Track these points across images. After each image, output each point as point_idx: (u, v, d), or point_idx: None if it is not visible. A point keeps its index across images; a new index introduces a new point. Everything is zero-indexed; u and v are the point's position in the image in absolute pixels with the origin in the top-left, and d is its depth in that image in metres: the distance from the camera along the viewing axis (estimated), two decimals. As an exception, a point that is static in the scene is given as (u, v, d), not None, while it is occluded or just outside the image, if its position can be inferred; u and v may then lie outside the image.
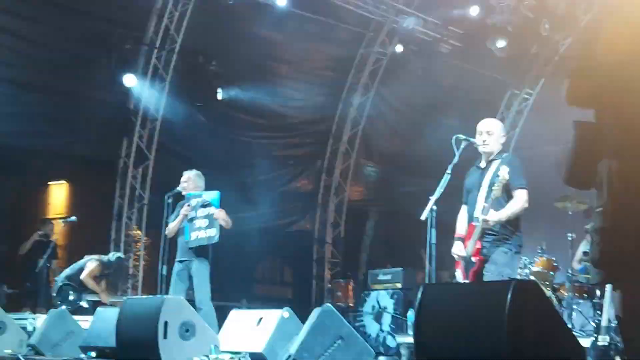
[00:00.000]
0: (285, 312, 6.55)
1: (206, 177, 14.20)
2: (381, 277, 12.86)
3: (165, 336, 6.11)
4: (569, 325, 10.15)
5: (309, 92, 16.09)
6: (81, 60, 13.34)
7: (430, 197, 6.31)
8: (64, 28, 12.94)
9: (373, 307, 12.42)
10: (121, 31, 13.51)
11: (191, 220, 9.21)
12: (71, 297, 10.82)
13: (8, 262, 12.43)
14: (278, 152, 16.12)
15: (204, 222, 9.15)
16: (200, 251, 9.03)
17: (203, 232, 9.13)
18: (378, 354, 10.89)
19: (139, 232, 14.52)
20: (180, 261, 9.06)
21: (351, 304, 13.66)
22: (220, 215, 9.12)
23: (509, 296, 4.07)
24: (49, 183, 18.54)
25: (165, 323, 6.12)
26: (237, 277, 15.19)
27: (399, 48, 15.45)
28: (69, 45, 13.12)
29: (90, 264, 10.95)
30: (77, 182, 17.31)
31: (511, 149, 17.38)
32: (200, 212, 9.19)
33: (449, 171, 6.44)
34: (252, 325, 6.72)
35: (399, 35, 15.34)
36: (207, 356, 6.16)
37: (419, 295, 4.49)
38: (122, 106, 14.07)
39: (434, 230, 6.18)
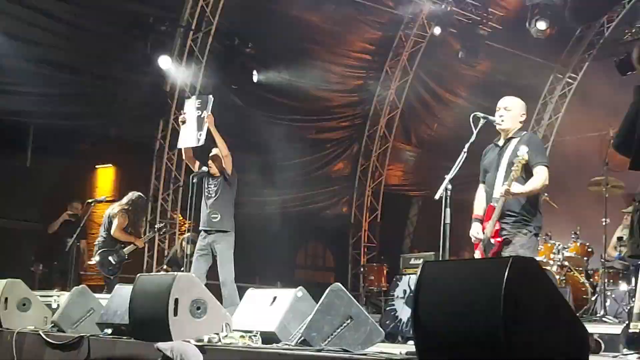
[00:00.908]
0: (299, 292, 6.45)
1: (242, 159, 14.30)
2: (413, 262, 12.75)
3: (175, 313, 6.06)
4: (602, 312, 9.94)
5: (346, 75, 15.97)
6: (118, 42, 13.44)
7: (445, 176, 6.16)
8: (101, 10, 13.01)
9: (404, 291, 12.29)
10: (157, 13, 13.56)
11: (184, 123, 9.33)
12: (114, 261, 10.84)
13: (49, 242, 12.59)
14: (314, 136, 16.05)
15: (195, 124, 9.14)
16: (226, 224, 9.01)
17: (192, 134, 9.14)
18: (408, 338, 10.76)
19: (179, 216, 14.57)
20: (203, 231, 9.07)
21: (384, 288, 13.55)
22: (210, 119, 9.04)
23: (506, 273, 3.95)
24: (96, 167, 18.81)
25: (176, 300, 6.07)
26: (277, 262, 15.21)
27: (437, 30, 15.24)
28: (106, 27, 13.19)
29: (116, 219, 10.93)
30: (120, 164, 17.53)
31: (554, 133, 17.09)
32: (192, 115, 9.21)
33: (465, 150, 6.28)
34: (266, 305, 6.65)
35: (438, 17, 15.12)
36: (218, 334, 6.09)
37: (419, 271, 4.38)
38: (158, 88, 14.10)
39: (448, 210, 6.04)
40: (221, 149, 9.19)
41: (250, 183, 14.82)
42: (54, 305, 8.74)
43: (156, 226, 12.73)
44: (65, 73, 13.08)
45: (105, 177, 19.19)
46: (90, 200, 10.51)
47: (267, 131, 14.91)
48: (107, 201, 17.69)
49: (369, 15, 15.24)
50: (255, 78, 14.20)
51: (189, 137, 9.31)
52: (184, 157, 9.88)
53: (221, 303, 8.41)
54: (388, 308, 12.33)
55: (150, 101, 14.15)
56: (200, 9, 13.90)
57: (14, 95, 12.94)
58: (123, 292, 7.17)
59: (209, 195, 9.26)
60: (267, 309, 6.63)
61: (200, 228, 9.25)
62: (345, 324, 5.83)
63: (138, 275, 6.69)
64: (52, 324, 8.04)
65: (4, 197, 12.01)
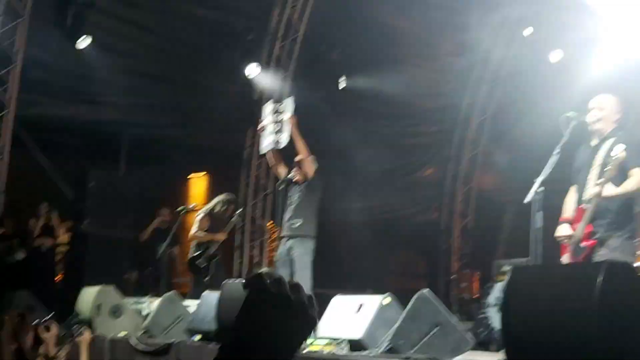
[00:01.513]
0: (385, 299, 6.35)
1: (329, 167, 14.24)
2: (505, 269, 12.42)
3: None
4: None
5: (434, 79, 15.75)
6: (207, 52, 13.60)
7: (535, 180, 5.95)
8: (190, 21, 13.20)
9: (497, 298, 11.99)
10: (245, 22, 13.68)
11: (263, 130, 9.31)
12: (204, 263, 10.87)
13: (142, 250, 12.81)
14: (403, 141, 15.87)
15: (275, 127, 9.08)
16: (306, 229, 8.93)
17: (272, 137, 9.08)
18: (501, 347, 10.49)
19: (270, 223, 14.62)
20: (283, 237, 9.01)
21: (475, 296, 13.27)
22: (292, 121, 8.97)
23: (600, 278, 3.77)
24: (189, 176, 19.12)
25: (262, 306, 6.05)
26: (368, 269, 15.11)
27: (528, 31, 14.88)
28: (193, 36, 13.37)
29: (198, 219, 10.95)
30: (213, 173, 17.75)
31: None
32: (273, 117, 9.16)
33: (556, 152, 6.05)
34: (352, 312, 6.57)
35: (528, 19, 14.78)
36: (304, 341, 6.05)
37: (507, 278, 4.23)
38: (246, 96, 14.21)
39: (539, 214, 5.82)
40: (302, 152, 9.12)
41: (339, 190, 14.77)
42: (145, 312, 8.85)
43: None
44: (156, 83, 13.31)
45: (198, 185, 19.50)
46: (180, 208, 10.59)
47: (355, 138, 14.83)
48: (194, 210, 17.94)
49: (457, 18, 14.98)
50: (342, 84, 14.14)
51: (270, 140, 9.30)
52: (269, 164, 9.86)
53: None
54: (480, 316, 12.05)
55: (239, 109, 14.27)
56: (287, 17, 13.95)
57: (107, 106, 13.26)
58: (211, 298, 7.20)
59: (291, 202, 9.20)
60: (354, 316, 6.55)
61: (281, 235, 9.18)
62: (433, 332, 5.70)
63: (224, 281, 6.70)
64: (144, 330, 8.15)
65: (98, 206, 12.27)
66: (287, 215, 9.26)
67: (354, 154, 14.77)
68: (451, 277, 15.58)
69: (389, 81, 14.80)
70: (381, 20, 14.26)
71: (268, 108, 9.50)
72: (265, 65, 14.09)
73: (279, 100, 9.77)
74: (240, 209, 12.33)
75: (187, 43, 13.29)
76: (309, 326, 1.64)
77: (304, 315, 1.62)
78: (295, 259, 8.94)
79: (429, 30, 15.01)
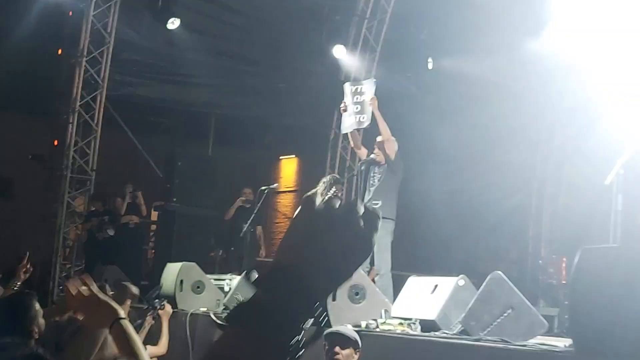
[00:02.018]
0: (460, 280, 6.27)
1: (416, 149, 14.12)
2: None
3: (334, 298, 6.05)
4: None
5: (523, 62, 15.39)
6: (294, 33, 13.65)
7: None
8: (277, 2, 13.26)
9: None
10: (332, 3, 13.66)
11: (345, 110, 9.24)
12: None
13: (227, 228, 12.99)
14: (491, 124, 15.56)
15: (356, 108, 9.04)
16: (386, 210, 8.84)
17: (354, 118, 9.03)
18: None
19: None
20: None
21: (563, 281, 12.94)
22: (374, 102, 8.91)
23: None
24: (280, 157, 19.30)
25: (335, 285, 6.06)
26: (458, 253, 14.96)
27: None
28: (282, 18, 13.43)
29: None
30: (302, 155, 17.86)
31: None
32: (354, 99, 9.11)
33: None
34: (427, 293, 6.51)
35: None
36: (376, 320, 6.03)
37: (576, 259, 4.12)
38: (333, 77, 14.18)
39: (620, 196, 5.64)
40: (383, 133, 9.06)
41: (425, 172, 14.64)
42: (226, 289, 8.97)
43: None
44: (244, 64, 13.47)
45: (288, 167, 19.67)
46: (263, 188, 10.66)
47: (442, 119, 14.67)
48: (284, 191, 18.07)
49: None
50: (430, 65, 13.98)
51: (352, 121, 9.28)
52: (351, 145, 9.82)
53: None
54: (567, 302, 11.79)
55: (326, 91, 14.27)
56: (374, -2, 13.87)
57: (196, 86, 13.49)
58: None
59: (373, 183, 9.15)
60: (428, 297, 6.49)
61: None
62: (505, 314, 5.59)
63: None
64: (224, 306, 8.28)
65: (186, 185, 12.50)
66: (367, 197, 9.22)
67: (441, 135, 14.63)
68: (539, 262, 15.23)
69: (477, 61, 14.57)
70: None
71: (348, 89, 9.46)
72: (353, 46, 14.04)
73: (358, 81, 9.72)
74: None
75: (275, 24, 13.36)
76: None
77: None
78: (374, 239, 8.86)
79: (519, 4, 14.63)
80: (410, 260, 14.99)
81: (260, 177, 16.61)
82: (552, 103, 16.04)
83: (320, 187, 10.95)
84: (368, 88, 9.28)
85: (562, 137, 16.12)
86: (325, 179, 11.03)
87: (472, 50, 14.43)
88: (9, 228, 14.77)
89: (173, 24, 12.39)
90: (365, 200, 9.13)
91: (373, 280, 8.75)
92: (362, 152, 9.51)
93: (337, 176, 11.32)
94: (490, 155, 15.79)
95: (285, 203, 19.44)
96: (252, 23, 13.37)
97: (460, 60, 14.32)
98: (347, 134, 10.06)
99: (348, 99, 9.36)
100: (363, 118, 9.16)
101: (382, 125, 9.12)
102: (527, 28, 15.12)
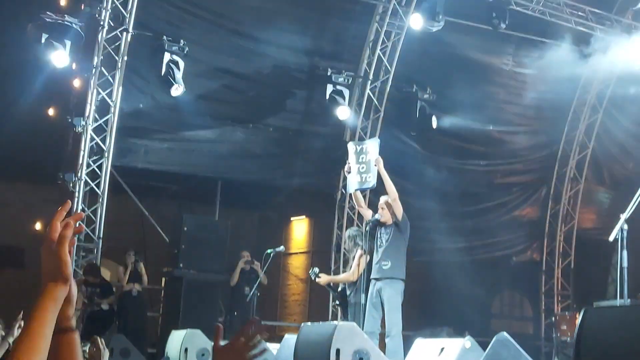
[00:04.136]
0: (467, 342, 6.16)
1: (424, 207, 14.06)
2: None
3: (338, 363, 5.95)
4: None
5: (529, 116, 15.43)
6: (297, 95, 13.75)
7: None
8: (278, 65, 13.39)
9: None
10: (335, 65, 13.76)
11: (349, 172, 9.24)
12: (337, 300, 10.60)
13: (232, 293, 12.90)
14: (500, 180, 15.56)
15: (361, 167, 8.95)
16: (395, 271, 8.75)
17: (358, 177, 8.96)
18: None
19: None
20: (373, 280, 8.83)
21: (577, 338, 12.74)
22: (379, 162, 8.90)
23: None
24: (291, 219, 19.27)
25: (337, 350, 5.95)
26: (471, 311, 14.78)
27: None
28: (283, 81, 13.53)
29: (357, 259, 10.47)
30: (312, 215, 17.84)
31: None
32: (359, 158, 9.05)
33: (644, 187, 5.78)
34: (434, 356, 6.39)
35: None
36: (382, 386, 5.92)
37: (579, 319, 4.02)
38: (338, 138, 14.23)
39: (625, 252, 5.55)
40: (390, 193, 8.99)
41: (435, 230, 14.56)
42: (232, 356, 8.84)
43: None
44: (248, 128, 13.52)
45: (299, 228, 19.63)
46: (269, 251, 10.56)
47: (450, 177, 14.66)
48: (296, 253, 17.94)
49: (552, 54, 14.66)
50: (434, 124, 13.99)
51: (357, 180, 9.25)
52: (355, 205, 9.77)
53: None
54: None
55: (332, 151, 14.31)
56: (377, 58, 13.96)
57: (202, 151, 13.53)
58: (291, 342, 7.14)
59: (381, 244, 9.06)
60: (435, 359, 6.37)
61: (370, 277, 9.01)
62: (512, 376, 5.47)
63: (302, 324, 6.63)
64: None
65: (193, 250, 12.44)
66: (376, 258, 9.12)
67: (448, 193, 14.60)
68: (553, 319, 15.05)
69: (482, 119, 14.63)
70: (473, 57, 14.10)
71: (352, 148, 9.45)
72: (357, 106, 14.11)
73: (363, 142, 9.71)
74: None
75: (279, 87, 13.46)
76: None
77: None
78: (385, 300, 8.77)
79: (521, 67, 14.76)
80: (422, 319, 14.85)
81: (269, 239, 16.58)
82: (559, 156, 16.03)
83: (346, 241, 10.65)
84: (372, 147, 9.27)
85: (572, 190, 16.09)
86: (348, 232, 10.79)
87: (475, 107, 14.49)
88: (21, 298, 14.72)
89: (177, 90, 12.45)
90: (375, 261, 9.04)
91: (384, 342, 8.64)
92: (367, 213, 9.44)
93: (358, 230, 11.15)
94: (500, 211, 15.75)
95: (297, 264, 19.36)
96: (255, 87, 13.47)
97: (464, 118, 14.36)
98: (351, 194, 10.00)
99: (352, 158, 9.35)
100: (368, 177, 9.13)
101: (389, 185, 9.05)
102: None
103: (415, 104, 14.04)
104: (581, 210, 16.27)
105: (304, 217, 19.16)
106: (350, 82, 13.81)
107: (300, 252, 19.35)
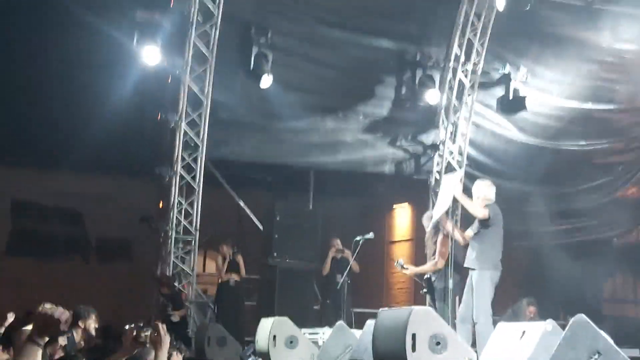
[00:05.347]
0: (548, 325, 5.99)
1: (527, 190, 13.77)
2: None
3: (414, 349, 5.87)
4: None
5: (630, 93, 14.82)
6: (385, 81, 13.69)
7: None
8: (366, 52, 13.35)
9: None
10: (424, 49, 13.64)
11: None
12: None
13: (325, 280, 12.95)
14: (601, 159, 15.03)
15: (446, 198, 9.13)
16: (481, 260, 8.61)
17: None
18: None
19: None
20: (468, 268, 8.78)
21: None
22: (457, 193, 8.88)
23: None
24: (393, 206, 19.18)
25: (413, 335, 5.88)
26: (582, 295, 14.43)
27: None
28: (371, 67, 13.50)
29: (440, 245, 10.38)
30: (414, 202, 17.67)
31: None
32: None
33: None
34: (515, 339, 6.25)
35: None
36: (461, 371, 5.82)
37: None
38: (429, 124, 14.10)
39: None
40: (476, 214, 8.83)
41: (537, 214, 14.26)
42: (320, 342, 8.90)
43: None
44: (336, 116, 13.56)
45: (402, 215, 19.50)
46: (358, 238, 10.55)
47: (547, 158, 14.30)
48: (400, 240, 17.76)
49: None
50: (528, 104, 13.68)
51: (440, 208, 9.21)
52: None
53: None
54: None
55: (422, 136, 14.22)
56: (467, 41, 13.73)
57: (293, 141, 13.64)
58: (372, 327, 7.11)
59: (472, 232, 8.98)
60: (517, 343, 6.23)
61: (464, 265, 8.94)
62: (592, 359, 5.29)
63: (380, 309, 6.59)
64: (317, 361, 8.21)
65: (286, 239, 12.58)
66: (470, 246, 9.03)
67: (546, 175, 14.27)
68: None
69: (580, 99, 14.18)
70: (566, 34, 13.66)
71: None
72: (449, 90, 13.94)
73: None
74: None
75: (364, 75, 13.43)
76: None
77: None
78: (474, 288, 8.68)
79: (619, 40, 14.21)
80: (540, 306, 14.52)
81: (370, 227, 16.49)
82: None
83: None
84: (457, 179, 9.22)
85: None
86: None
87: (575, 86, 14.04)
88: (130, 290, 15.24)
89: (266, 81, 12.59)
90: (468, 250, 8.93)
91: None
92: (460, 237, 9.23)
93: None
94: (604, 191, 15.25)
95: (401, 253, 19.21)
96: (344, 75, 13.46)
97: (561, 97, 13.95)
98: None
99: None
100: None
101: (470, 208, 8.89)
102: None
103: (508, 85, 13.77)
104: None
105: (405, 204, 19.01)
106: (439, 65, 13.66)
107: (404, 240, 19.21)
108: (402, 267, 10.21)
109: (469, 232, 9.02)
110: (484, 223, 8.81)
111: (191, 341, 11.31)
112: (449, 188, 9.14)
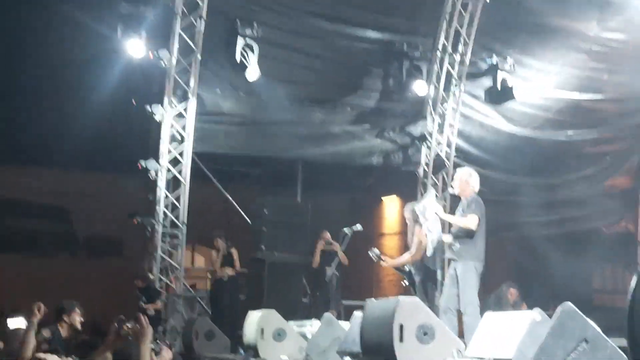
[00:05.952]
0: (536, 315, 5.93)
1: (509, 180, 13.76)
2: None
3: (401, 339, 5.82)
4: None
5: (617, 82, 14.79)
6: (372, 72, 13.62)
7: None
8: (353, 43, 13.27)
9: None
10: (411, 40, 13.57)
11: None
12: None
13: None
14: (589, 149, 15.02)
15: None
16: (465, 251, 8.53)
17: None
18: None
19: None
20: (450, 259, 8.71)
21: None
22: (439, 213, 8.89)
23: None
24: (382, 198, 19.14)
25: (401, 326, 5.83)
26: (571, 286, 14.40)
27: None
28: (359, 59, 13.43)
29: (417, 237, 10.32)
30: (402, 194, 17.62)
31: None
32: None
33: None
34: (502, 329, 6.19)
35: None
36: (449, 362, 5.77)
37: (632, 283, 3.82)
38: (417, 115, 14.05)
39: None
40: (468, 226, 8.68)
41: (525, 204, 14.25)
42: (309, 335, 8.84)
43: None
44: (324, 108, 13.48)
45: (391, 208, 19.47)
46: (346, 230, 10.50)
47: (535, 148, 14.29)
48: (389, 233, 17.70)
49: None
50: (516, 95, 13.64)
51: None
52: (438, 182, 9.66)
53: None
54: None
55: (410, 127, 14.15)
56: (454, 31, 13.69)
57: (281, 134, 13.56)
58: (359, 319, 7.06)
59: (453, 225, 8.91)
60: (504, 333, 6.18)
61: (445, 256, 8.88)
62: (579, 348, 5.24)
63: (367, 300, 6.54)
64: (305, 354, 8.14)
65: (274, 232, 12.51)
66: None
67: (534, 165, 14.26)
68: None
69: (569, 88, 14.15)
70: (553, 24, 13.61)
71: (418, 211, 9.26)
72: (436, 81, 13.88)
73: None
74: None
75: (351, 65, 13.36)
76: None
77: None
78: (459, 279, 8.60)
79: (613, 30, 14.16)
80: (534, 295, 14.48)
81: (359, 220, 16.43)
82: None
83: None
84: (429, 202, 9.13)
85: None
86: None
87: (564, 75, 14.00)
88: (119, 286, 15.15)
89: (252, 74, 12.48)
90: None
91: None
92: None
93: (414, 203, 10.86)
94: (592, 181, 15.25)
95: (390, 245, 19.18)
96: (331, 66, 13.40)
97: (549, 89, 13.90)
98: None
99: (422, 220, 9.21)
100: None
101: (461, 223, 8.74)
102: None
103: (496, 75, 13.73)
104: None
105: (394, 196, 18.96)
106: (427, 56, 13.61)
107: (393, 233, 19.17)
108: (379, 258, 10.04)
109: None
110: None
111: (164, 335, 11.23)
112: (431, 212, 9.01)
